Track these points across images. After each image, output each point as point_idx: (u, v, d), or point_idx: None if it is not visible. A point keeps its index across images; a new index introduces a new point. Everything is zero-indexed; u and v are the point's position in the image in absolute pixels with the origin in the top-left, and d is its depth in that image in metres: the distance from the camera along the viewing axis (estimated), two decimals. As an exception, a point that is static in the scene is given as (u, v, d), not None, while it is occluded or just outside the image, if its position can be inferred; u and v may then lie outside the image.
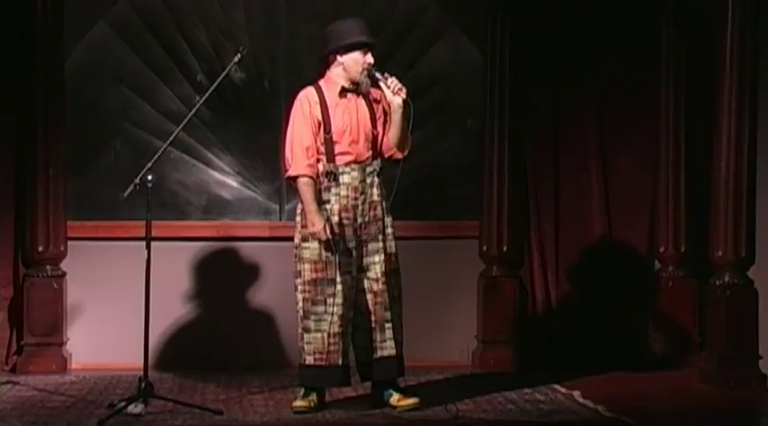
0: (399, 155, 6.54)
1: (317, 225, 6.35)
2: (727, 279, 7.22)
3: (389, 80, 6.40)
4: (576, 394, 6.89)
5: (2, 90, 7.69)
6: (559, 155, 8.10)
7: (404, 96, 6.37)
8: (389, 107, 6.46)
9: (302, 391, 6.52)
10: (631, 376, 7.53)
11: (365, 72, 6.45)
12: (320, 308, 6.42)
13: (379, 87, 6.47)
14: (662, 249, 8.04)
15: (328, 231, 6.35)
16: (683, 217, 7.99)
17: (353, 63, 6.46)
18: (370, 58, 6.46)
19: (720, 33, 7.20)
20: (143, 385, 6.33)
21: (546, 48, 8.04)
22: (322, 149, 6.46)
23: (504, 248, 7.94)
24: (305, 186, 6.40)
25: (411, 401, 6.49)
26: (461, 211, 8.17)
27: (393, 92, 6.38)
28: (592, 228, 8.07)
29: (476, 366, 7.93)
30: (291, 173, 6.43)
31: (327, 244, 6.37)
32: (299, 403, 6.46)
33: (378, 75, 6.43)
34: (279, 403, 6.69)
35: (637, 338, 7.98)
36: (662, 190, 8.04)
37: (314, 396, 6.50)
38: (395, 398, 6.52)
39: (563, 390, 7.05)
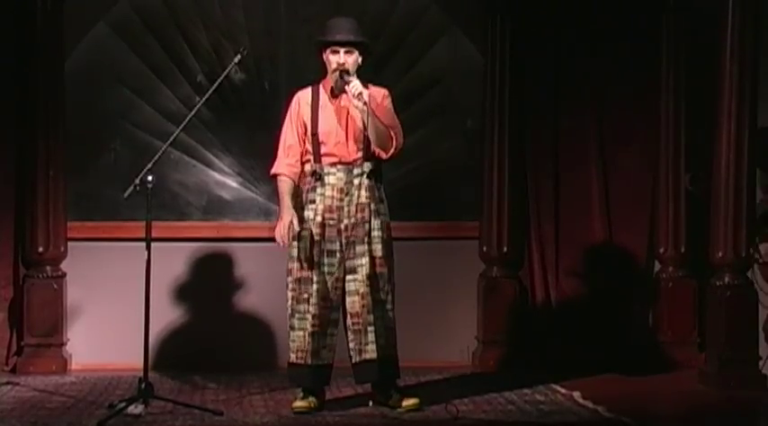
0: (383, 156, 6.50)
1: (284, 219, 6.42)
2: (727, 279, 7.22)
3: (350, 84, 6.36)
4: (576, 394, 6.89)
5: (2, 90, 7.69)
6: (559, 155, 8.10)
7: (363, 100, 6.31)
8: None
9: (302, 391, 6.53)
10: (631, 376, 7.53)
11: (335, 72, 6.43)
12: (302, 307, 6.45)
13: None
14: (662, 250, 8.03)
15: (291, 236, 6.40)
16: (683, 217, 7.98)
17: (327, 62, 6.48)
18: (339, 58, 6.42)
19: (720, 33, 7.20)
20: (143, 385, 6.33)
21: (546, 48, 8.04)
22: (310, 149, 6.48)
23: (504, 249, 7.94)
24: (281, 184, 6.52)
25: (411, 401, 6.49)
26: (461, 212, 8.17)
27: (353, 96, 6.36)
28: (592, 229, 8.07)
29: (476, 366, 7.93)
30: (272, 171, 6.56)
31: (305, 244, 6.41)
32: (298, 403, 6.46)
33: (345, 77, 6.38)
34: (279, 403, 6.69)
35: (637, 338, 7.98)
36: (662, 190, 8.04)
37: (313, 397, 6.50)
38: (395, 399, 6.52)
39: (563, 390, 7.05)
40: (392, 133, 6.46)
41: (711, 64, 7.38)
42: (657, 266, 8.12)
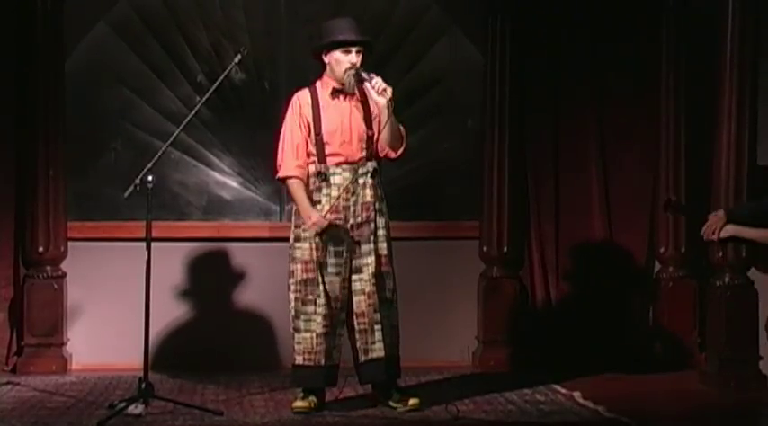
0: (393, 155, 6.51)
1: (313, 217, 6.36)
2: (727, 279, 7.21)
3: (374, 80, 6.34)
4: (576, 394, 6.90)
5: (2, 90, 7.68)
6: (559, 155, 8.10)
7: (388, 97, 6.32)
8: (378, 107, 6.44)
9: (302, 391, 6.52)
10: (631, 376, 7.54)
11: (349, 72, 6.42)
12: (310, 308, 6.43)
13: (365, 87, 6.44)
14: (662, 249, 8.03)
15: (329, 216, 6.35)
16: (683, 217, 7.98)
17: (336, 63, 6.45)
18: (352, 58, 6.41)
19: (720, 33, 7.20)
20: (143, 385, 6.33)
21: (546, 48, 8.04)
22: (313, 150, 6.46)
23: (505, 248, 7.94)
24: (294, 186, 6.44)
25: (411, 401, 6.49)
26: (461, 211, 8.17)
27: (377, 92, 6.34)
28: (592, 228, 8.07)
29: (476, 366, 7.93)
30: (281, 174, 6.49)
31: (334, 232, 6.37)
32: (298, 403, 6.46)
33: (364, 74, 6.38)
34: (279, 403, 6.70)
35: (637, 338, 7.98)
36: (662, 190, 8.04)
37: (314, 397, 6.50)
38: (395, 399, 6.52)
39: (563, 390, 7.05)
40: (402, 134, 6.48)
41: (711, 64, 7.38)
42: (657, 266, 8.12)
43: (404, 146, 6.52)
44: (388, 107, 6.34)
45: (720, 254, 7.20)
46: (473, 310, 8.03)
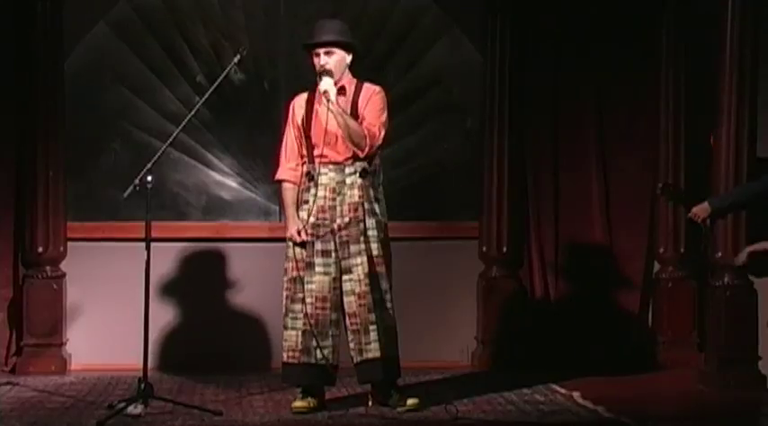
0: (360, 154, 6.47)
1: (290, 229, 6.45)
2: (726, 279, 7.21)
3: (321, 82, 6.37)
4: (576, 394, 6.89)
5: (2, 90, 7.69)
6: (559, 155, 8.10)
7: (327, 98, 6.31)
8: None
9: (301, 392, 6.53)
10: (631, 377, 7.53)
11: (319, 73, 6.45)
12: (297, 307, 6.44)
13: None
14: (662, 250, 8.03)
15: (304, 235, 6.41)
16: (682, 217, 7.97)
17: (313, 65, 6.49)
18: (319, 60, 6.43)
19: (720, 33, 7.20)
20: (142, 385, 6.32)
21: (546, 49, 8.04)
22: (304, 151, 6.50)
23: (504, 249, 7.94)
24: (285, 191, 6.56)
25: (411, 401, 6.49)
26: (461, 211, 8.17)
27: (321, 93, 6.37)
28: (592, 228, 8.07)
29: (475, 366, 7.93)
30: (276, 177, 6.60)
31: (302, 246, 6.43)
32: (298, 403, 6.46)
33: (324, 76, 6.38)
34: (278, 403, 6.69)
35: (636, 339, 7.98)
36: (662, 189, 8.04)
37: (313, 397, 6.50)
38: (395, 398, 6.52)
39: (562, 391, 7.05)
40: (365, 132, 6.42)
41: (711, 64, 7.38)
42: (657, 266, 8.12)
43: (369, 146, 6.43)
44: (328, 110, 6.34)
45: (720, 254, 7.20)
46: (473, 310, 8.03)
